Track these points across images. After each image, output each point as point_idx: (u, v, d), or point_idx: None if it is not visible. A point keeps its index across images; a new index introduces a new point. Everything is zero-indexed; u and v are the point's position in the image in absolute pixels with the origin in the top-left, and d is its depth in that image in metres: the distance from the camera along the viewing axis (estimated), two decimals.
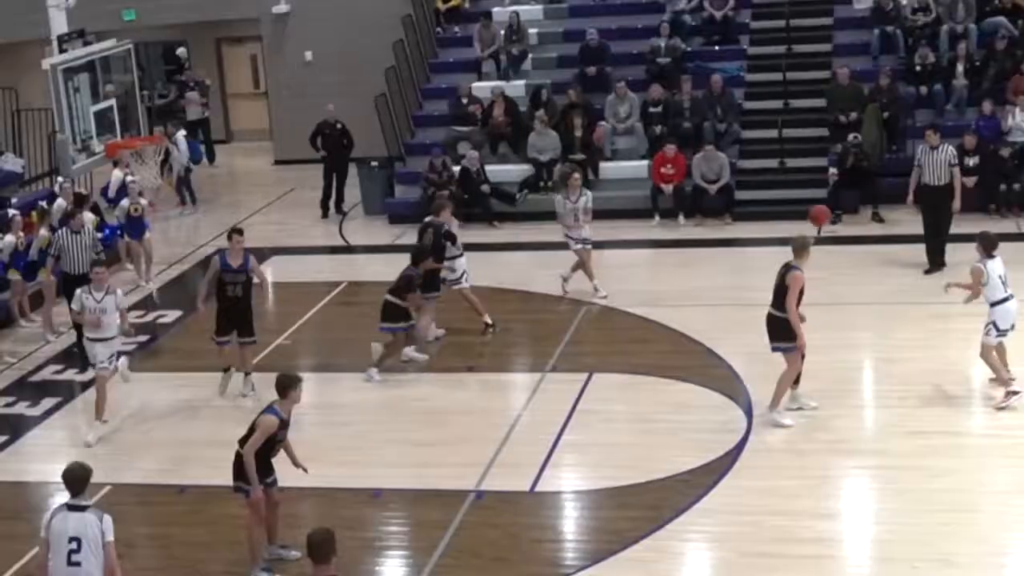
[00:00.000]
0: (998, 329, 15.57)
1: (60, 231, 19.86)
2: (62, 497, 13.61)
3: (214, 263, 17.40)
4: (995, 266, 15.56)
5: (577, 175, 20.57)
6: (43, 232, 20.28)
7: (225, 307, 17.23)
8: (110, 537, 10.62)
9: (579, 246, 20.23)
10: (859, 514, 13.74)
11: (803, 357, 15.51)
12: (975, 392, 16.35)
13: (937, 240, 20.70)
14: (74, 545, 10.52)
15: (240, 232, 17.45)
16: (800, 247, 15.47)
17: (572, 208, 20.08)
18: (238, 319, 17.27)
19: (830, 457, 14.78)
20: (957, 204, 20.69)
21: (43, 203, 22.15)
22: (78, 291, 16.62)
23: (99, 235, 20.90)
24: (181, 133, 28.76)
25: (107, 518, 10.72)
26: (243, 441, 12.84)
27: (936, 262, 20.61)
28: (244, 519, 13.01)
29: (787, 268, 15.33)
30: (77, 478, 10.77)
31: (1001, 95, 24.56)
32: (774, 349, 15.56)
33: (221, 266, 17.15)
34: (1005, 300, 15.56)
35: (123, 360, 17.31)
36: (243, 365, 17.44)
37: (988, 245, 15.68)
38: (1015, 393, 15.57)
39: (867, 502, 14.01)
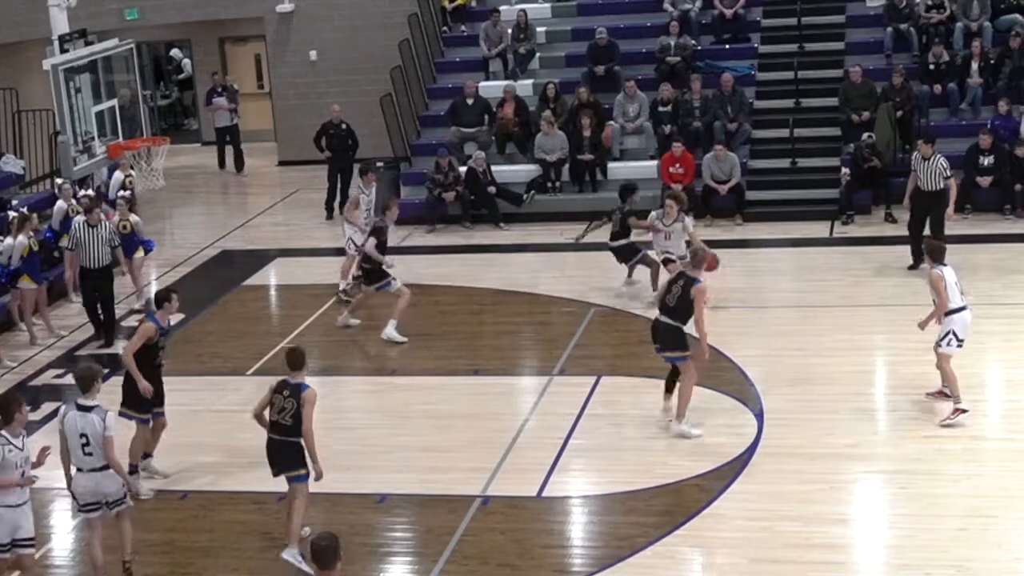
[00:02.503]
0: (958, 339, 15.21)
1: (76, 224, 20.05)
2: (65, 503, 13.82)
3: (147, 330, 14.75)
4: (949, 273, 15.25)
5: (671, 201, 19.91)
6: (21, 239, 20.05)
7: (152, 378, 14.83)
8: (109, 433, 12.43)
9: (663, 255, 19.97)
10: (872, 519, 13.54)
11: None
12: (988, 395, 16.18)
13: (921, 239, 20.51)
14: (84, 440, 12.47)
15: (176, 293, 15.43)
16: (701, 259, 15.61)
17: (666, 229, 19.77)
18: (160, 389, 15.13)
19: (842, 462, 14.59)
20: (951, 211, 20.67)
21: (23, 209, 21.86)
22: None
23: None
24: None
25: (110, 415, 12.58)
26: (276, 426, 13.02)
27: (921, 259, 20.50)
28: (296, 500, 13.10)
29: (688, 280, 15.28)
30: (85, 376, 12.69)
31: (1017, 93, 24.35)
32: (667, 359, 15.54)
33: (159, 331, 14.85)
34: (962, 309, 15.25)
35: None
36: (155, 442, 15.36)
37: (937, 253, 15.42)
38: (964, 411, 15.23)
39: (880, 507, 13.82)
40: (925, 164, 20.54)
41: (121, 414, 14.57)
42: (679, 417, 15.47)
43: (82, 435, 12.47)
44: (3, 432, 12.01)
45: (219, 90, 31.63)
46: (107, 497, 12.71)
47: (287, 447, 13.03)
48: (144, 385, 14.62)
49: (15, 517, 12.10)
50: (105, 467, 12.54)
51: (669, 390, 15.86)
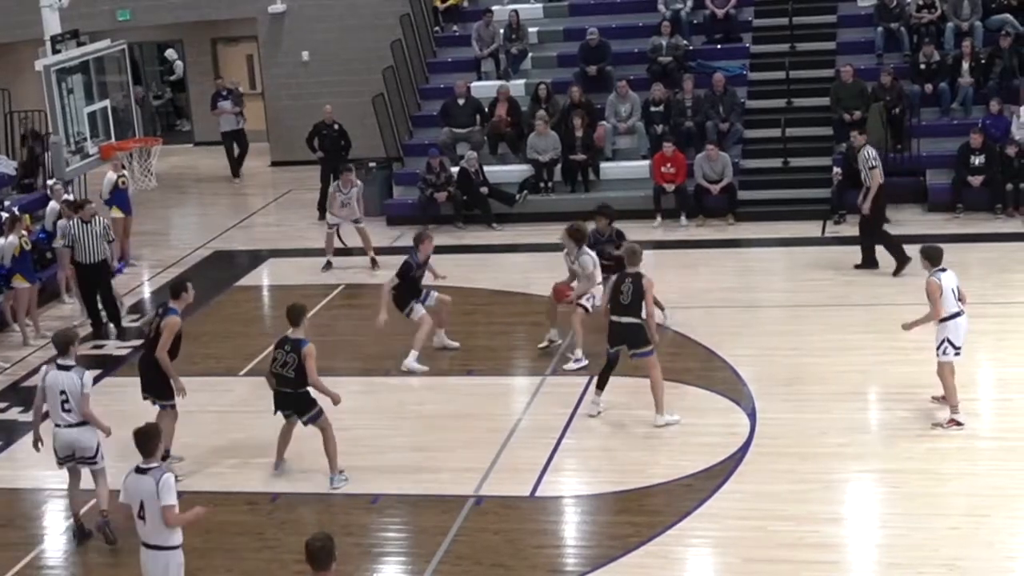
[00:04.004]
0: (953, 346, 15.05)
1: (71, 221, 20.37)
2: (55, 504, 13.88)
3: (173, 324, 14.98)
4: (948, 279, 15.05)
5: (564, 233, 18.01)
6: (11, 239, 20.06)
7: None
8: (86, 391, 13.41)
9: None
10: (865, 519, 13.56)
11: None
12: (982, 395, 16.21)
13: (866, 239, 21.12)
14: (64, 397, 13.37)
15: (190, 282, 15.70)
16: (633, 254, 15.84)
17: (570, 267, 18.14)
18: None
19: (835, 461, 14.62)
20: (866, 207, 20.75)
21: (15, 209, 21.79)
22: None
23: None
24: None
25: (87, 374, 13.58)
26: (281, 379, 14.40)
27: (868, 259, 21.03)
28: (327, 431, 14.62)
29: (635, 276, 15.54)
30: (62, 340, 13.65)
31: (1008, 93, 24.40)
32: (635, 356, 15.64)
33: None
34: (956, 315, 15.05)
35: None
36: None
37: (933, 258, 15.21)
38: (958, 424, 15.13)
39: (873, 506, 13.85)
40: (858, 156, 20.88)
41: (152, 402, 15.27)
42: (659, 410, 15.60)
43: (62, 392, 13.38)
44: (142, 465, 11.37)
45: (223, 94, 31.30)
46: (82, 452, 13.57)
47: (295, 397, 14.44)
48: (180, 384, 15.06)
49: (166, 561, 11.22)
50: (82, 423, 13.46)
51: (602, 386, 16.05)
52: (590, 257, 17.74)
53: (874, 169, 20.65)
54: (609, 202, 23.23)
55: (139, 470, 11.23)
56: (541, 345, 18.32)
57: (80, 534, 13.86)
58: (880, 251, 20.89)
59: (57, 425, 13.53)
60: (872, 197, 20.63)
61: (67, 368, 13.50)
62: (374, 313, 18.10)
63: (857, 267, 20.91)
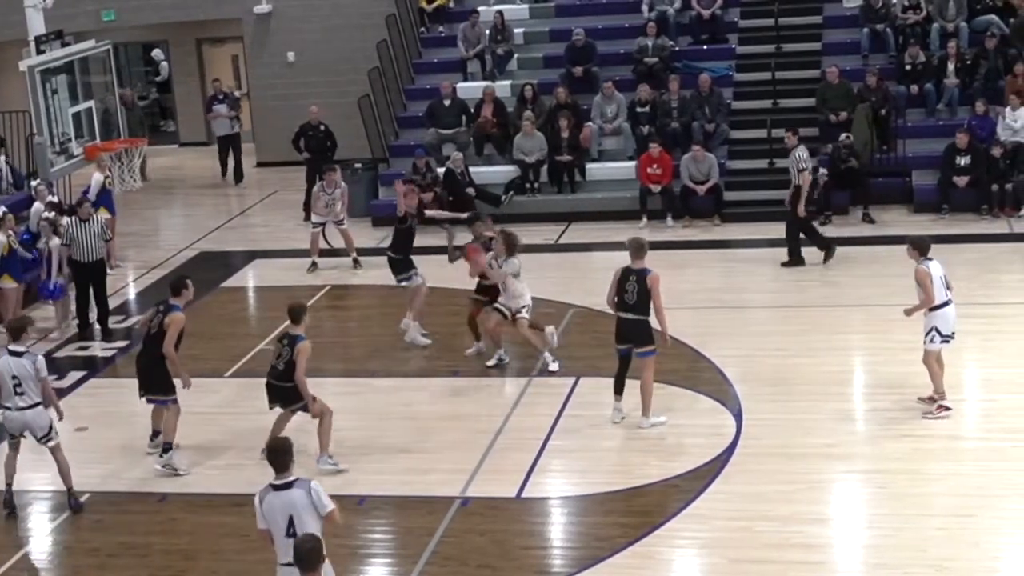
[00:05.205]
0: (941, 334, 15.22)
1: (68, 219, 20.59)
2: (40, 506, 13.90)
3: (179, 321, 15.11)
4: (935, 268, 15.25)
5: (503, 243, 17.97)
6: (0, 237, 20.00)
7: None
8: (43, 374, 14.14)
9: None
10: (851, 519, 13.58)
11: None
12: (968, 395, 16.20)
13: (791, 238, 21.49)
14: (16, 381, 13.99)
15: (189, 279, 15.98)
16: (640, 248, 15.68)
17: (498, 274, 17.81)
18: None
19: (821, 461, 14.62)
20: (800, 209, 21.05)
21: (2, 209, 21.70)
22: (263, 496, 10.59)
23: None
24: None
25: (40, 359, 14.24)
26: (273, 370, 14.82)
27: (795, 257, 21.47)
28: (326, 418, 14.94)
29: (640, 272, 15.41)
30: (16, 327, 14.44)
31: (993, 94, 24.44)
32: (640, 355, 15.54)
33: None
34: (945, 304, 15.22)
35: None
36: (159, 423, 15.70)
37: (922, 248, 15.38)
38: (946, 409, 15.29)
39: (859, 507, 13.85)
40: (789, 156, 21.26)
41: (150, 400, 15.46)
42: (646, 412, 15.58)
43: (14, 377, 13.99)
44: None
45: (219, 97, 31.00)
46: (36, 432, 14.21)
47: (283, 390, 14.76)
48: (186, 379, 15.30)
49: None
50: (35, 405, 14.10)
51: (619, 390, 15.88)
52: (518, 262, 17.80)
53: (803, 172, 20.93)
54: (595, 203, 23.31)
55: (277, 487, 10.36)
56: (490, 364, 18.17)
57: (10, 505, 14.48)
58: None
59: (7, 408, 14.18)
60: (804, 199, 21.06)
61: (18, 354, 14.13)
62: (361, 313, 18.07)
63: (784, 264, 21.37)
